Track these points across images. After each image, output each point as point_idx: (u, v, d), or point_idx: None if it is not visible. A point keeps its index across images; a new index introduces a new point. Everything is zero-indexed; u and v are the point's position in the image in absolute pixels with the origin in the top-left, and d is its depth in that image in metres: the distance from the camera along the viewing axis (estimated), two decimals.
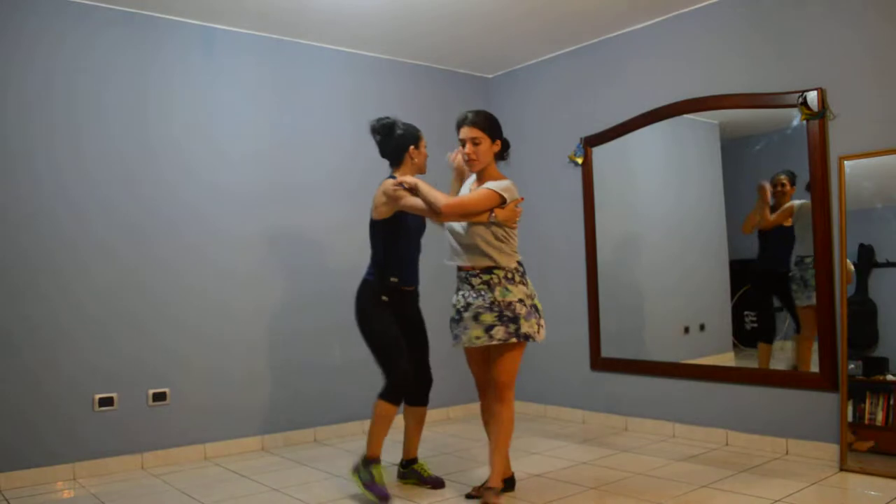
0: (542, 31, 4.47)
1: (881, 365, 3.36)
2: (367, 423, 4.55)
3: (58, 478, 3.57)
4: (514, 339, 2.93)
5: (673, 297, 4.44)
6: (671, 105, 4.15)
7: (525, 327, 2.94)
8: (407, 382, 3.19)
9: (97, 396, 3.71)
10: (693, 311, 4.39)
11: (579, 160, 4.65)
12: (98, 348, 3.73)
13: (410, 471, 3.43)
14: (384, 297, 3.24)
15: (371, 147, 5.09)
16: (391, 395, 3.16)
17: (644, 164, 4.62)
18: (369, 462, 3.17)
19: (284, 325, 4.32)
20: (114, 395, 3.76)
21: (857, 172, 3.42)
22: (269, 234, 4.31)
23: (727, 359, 4.09)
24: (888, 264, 3.38)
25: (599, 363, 4.57)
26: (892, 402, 3.28)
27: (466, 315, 3.01)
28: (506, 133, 3.14)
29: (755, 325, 4.15)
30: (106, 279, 3.77)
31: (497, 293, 2.96)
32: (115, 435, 3.75)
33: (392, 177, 3.27)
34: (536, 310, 3.01)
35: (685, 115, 4.14)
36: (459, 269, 3.08)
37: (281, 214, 4.35)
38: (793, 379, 3.65)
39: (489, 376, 3.09)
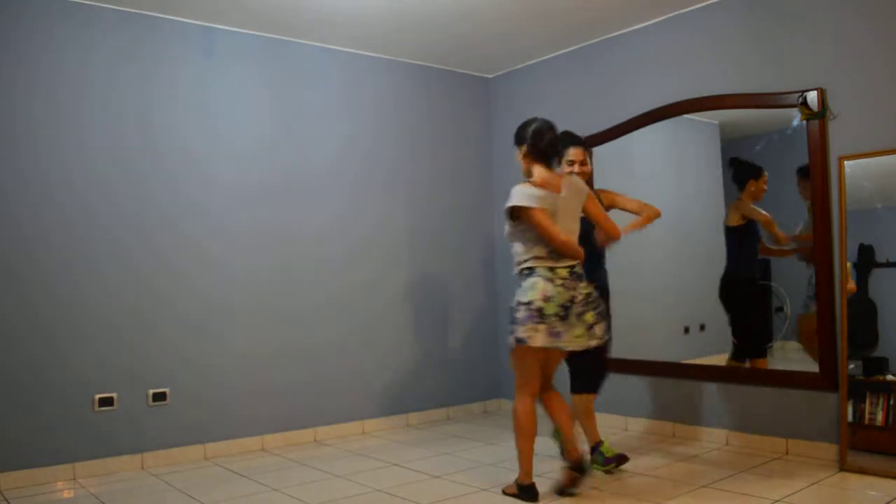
0: (542, 31, 4.47)
1: (881, 365, 3.36)
2: (366, 423, 4.56)
3: (58, 478, 3.57)
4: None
5: (673, 297, 4.44)
6: (671, 105, 4.15)
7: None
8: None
9: (97, 396, 3.71)
10: (693, 311, 4.39)
11: None
12: (98, 348, 3.73)
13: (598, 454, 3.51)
14: None
15: (369, 147, 5.08)
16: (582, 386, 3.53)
17: (644, 164, 4.62)
18: (596, 446, 3.46)
19: (284, 326, 4.32)
20: (114, 395, 3.76)
21: (857, 172, 3.42)
22: (270, 235, 4.30)
23: (727, 359, 4.09)
24: (888, 264, 3.38)
25: None
26: (892, 402, 3.28)
27: (573, 312, 2.96)
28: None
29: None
30: (105, 279, 3.77)
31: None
32: (115, 435, 3.74)
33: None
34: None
35: (685, 115, 4.14)
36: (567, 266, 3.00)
37: (282, 214, 4.35)
38: (793, 379, 3.65)
39: (546, 374, 3.23)
